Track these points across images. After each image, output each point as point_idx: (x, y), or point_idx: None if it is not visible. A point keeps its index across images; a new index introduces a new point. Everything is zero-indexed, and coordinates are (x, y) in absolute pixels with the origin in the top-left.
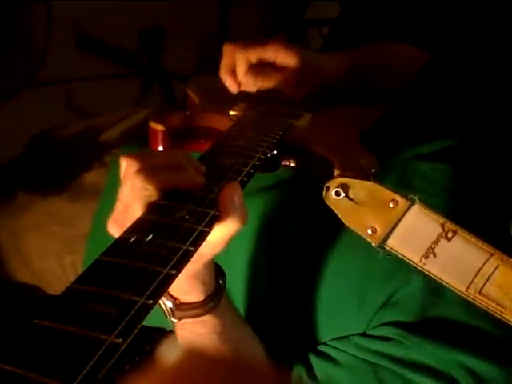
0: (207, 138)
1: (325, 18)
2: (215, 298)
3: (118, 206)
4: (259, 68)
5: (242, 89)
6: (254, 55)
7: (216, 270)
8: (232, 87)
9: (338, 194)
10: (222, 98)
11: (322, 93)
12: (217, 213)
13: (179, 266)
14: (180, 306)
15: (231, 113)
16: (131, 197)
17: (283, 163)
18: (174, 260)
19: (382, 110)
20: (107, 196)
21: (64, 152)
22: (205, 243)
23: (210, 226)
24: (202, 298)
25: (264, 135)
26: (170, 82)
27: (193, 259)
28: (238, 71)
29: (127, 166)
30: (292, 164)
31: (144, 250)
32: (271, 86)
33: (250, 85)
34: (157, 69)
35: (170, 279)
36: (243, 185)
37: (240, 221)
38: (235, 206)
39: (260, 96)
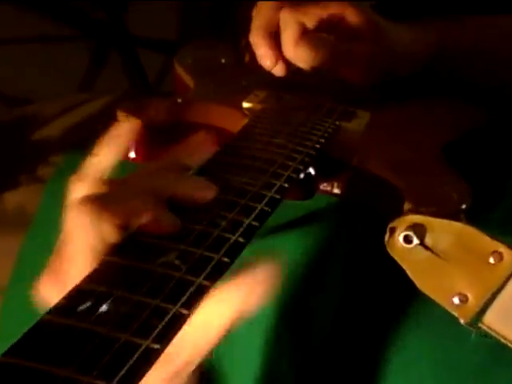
0: (207, 143)
1: None
2: None
3: (58, 256)
4: (318, 35)
5: (281, 66)
6: (311, 15)
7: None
8: (267, 59)
9: (408, 239)
10: (230, 81)
11: (387, 82)
12: (225, 259)
13: (165, 337)
14: None
15: (245, 105)
16: (80, 239)
17: (322, 187)
18: (158, 331)
19: (479, 115)
20: (39, 228)
21: None
22: (196, 327)
23: (212, 279)
24: None
25: (296, 142)
26: (136, 52)
27: (172, 361)
28: (287, 37)
29: (73, 188)
30: (336, 190)
31: (106, 318)
32: (335, 66)
33: (303, 60)
34: (117, 29)
35: (154, 355)
36: (265, 216)
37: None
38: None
39: (289, 81)
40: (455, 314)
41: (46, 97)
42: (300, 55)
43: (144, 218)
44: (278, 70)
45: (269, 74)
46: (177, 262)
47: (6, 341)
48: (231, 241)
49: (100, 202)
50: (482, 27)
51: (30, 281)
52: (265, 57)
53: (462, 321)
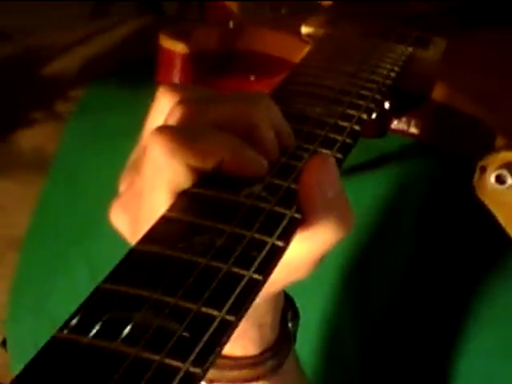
0: (263, 73)
1: None
2: (278, 353)
3: (131, 187)
4: None
5: None
6: None
7: (285, 306)
8: None
9: (501, 179)
10: (280, 2)
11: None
12: (296, 215)
13: (266, 269)
14: (215, 362)
15: (304, 30)
16: (151, 176)
17: (396, 126)
18: (259, 259)
19: None
20: (60, 172)
21: None
22: (279, 265)
23: (286, 238)
24: (256, 352)
25: (369, 71)
26: None
27: None
28: None
29: (169, 113)
30: (413, 129)
31: (208, 242)
32: None
33: None
34: None
35: (258, 286)
36: (348, 149)
37: (340, 226)
38: (329, 202)
39: (350, 3)
40: None
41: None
42: None
43: (226, 158)
44: None
45: None
46: (264, 193)
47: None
48: None
49: (176, 136)
50: None
51: (54, 230)
52: None
53: None
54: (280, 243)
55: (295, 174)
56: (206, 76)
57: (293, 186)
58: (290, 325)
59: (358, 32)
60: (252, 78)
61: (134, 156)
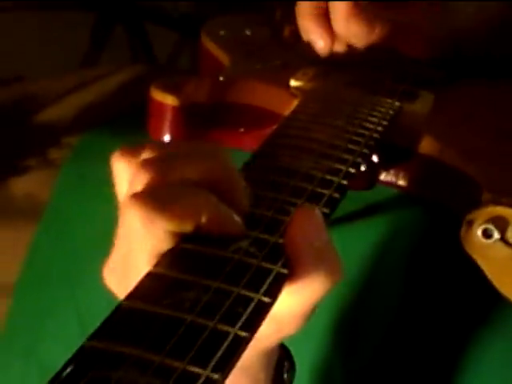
0: (253, 125)
1: None
2: None
3: (116, 250)
4: (372, 9)
5: (336, 46)
6: None
7: (280, 358)
8: (321, 42)
9: (487, 233)
10: (270, 57)
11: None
12: (283, 270)
13: (252, 326)
14: None
15: (293, 83)
16: (132, 243)
17: (384, 178)
18: (245, 316)
19: None
20: (53, 218)
21: None
22: (267, 319)
23: (272, 293)
24: None
25: (357, 125)
26: (145, 28)
27: None
28: (337, 13)
29: (132, 179)
30: (401, 182)
31: (194, 298)
32: (393, 39)
33: (356, 35)
34: (124, 2)
35: (243, 343)
36: (335, 203)
37: (328, 277)
38: (316, 254)
39: (338, 56)
40: None
41: (43, 74)
42: (353, 31)
43: (205, 219)
44: (335, 52)
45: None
46: (251, 249)
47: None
48: None
49: (151, 203)
50: None
51: (45, 276)
52: (318, 40)
53: None
54: (266, 299)
55: (282, 228)
56: (197, 128)
57: (280, 241)
58: (285, 376)
59: (347, 86)
60: (242, 130)
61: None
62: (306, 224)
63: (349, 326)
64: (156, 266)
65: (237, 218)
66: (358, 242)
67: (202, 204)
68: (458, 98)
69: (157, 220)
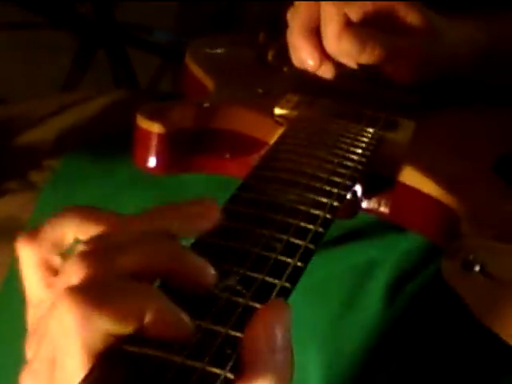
0: (238, 152)
1: None
2: None
3: (38, 353)
4: (364, 27)
5: (325, 66)
6: (355, 9)
7: None
8: (311, 60)
9: (467, 266)
10: (255, 82)
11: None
12: (287, 285)
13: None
14: None
15: (277, 111)
16: (62, 342)
17: (366, 206)
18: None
19: None
20: None
21: None
22: None
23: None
24: None
25: (341, 155)
26: (127, 52)
27: None
28: (329, 31)
29: (67, 269)
30: (383, 209)
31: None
32: (381, 61)
33: (347, 54)
34: (105, 26)
35: None
36: (319, 238)
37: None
38: (272, 359)
39: (323, 83)
40: None
41: (24, 96)
42: (344, 49)
43: (148, 320)
44: (324, 72)
45: (298, 75)
46: (239, 287)
47: None
48: (291, 266)
49: (89, 298)
50: None
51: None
52: (308, 58)
53: None
54: None
55: (269, 265)
56: (182, 154)
57: (267, 280)
58: None
59: (330, 115)
60: (227, 156)
61: (32, 318)
62: (272, 327)
63: (330, 351)
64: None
65: (186, 320)
66: (339, 267)
67: (145, 302)
68: (440, 125)
69: (94, 318)
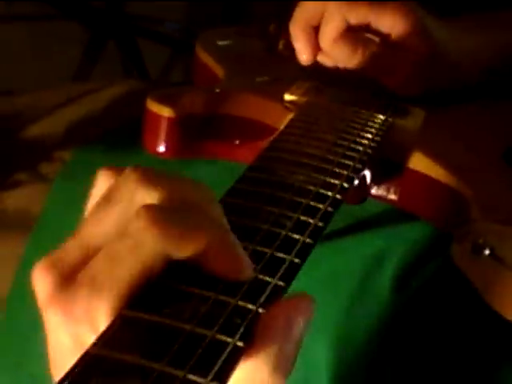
0: (247, 138)
1: None
2: None
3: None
4: (361, 35)
5: (318, 59)
6: (357, 14)
7: None
8: (304, 54)
9: (477, 249)
10: (265, 70)
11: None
12: (296, 260)
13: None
14: None
15: (287, 97)
16: (123, 252)
17: (375, 193)
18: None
19: None
20: (45, 231)
21: None
22: None
23: (286, 279)
24: None
25: (351, 140)
26: (137, 43)
27: None
28: (327, 32)
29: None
30: (392, 196)
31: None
32: (375, 70)
33: (340, 57)
34: (116, 17)
35: None
36: (329, 218)
37: (282, 369)
38: (282, 343)
39: (332, 71)
40: None
41: (35, 87)
42: (336, 53)
43: (212, 248)
44: (323, 61)
45: (310, 65)
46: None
47: (7, 357)
48: (300, 242)
49: (169, 220)
50: None
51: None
52: (302, 51)
53: None
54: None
55: (279, 241)
56: (192, 140)
57: (277, 254)
58: None
59: (341, 100)
60: (237, 142)
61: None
62: (295, 315)
63: (339, 339)
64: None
65: (248, 262)
66: (348, 257)
67: (213, 231)
68: (450, 115)
69: (165, 235)
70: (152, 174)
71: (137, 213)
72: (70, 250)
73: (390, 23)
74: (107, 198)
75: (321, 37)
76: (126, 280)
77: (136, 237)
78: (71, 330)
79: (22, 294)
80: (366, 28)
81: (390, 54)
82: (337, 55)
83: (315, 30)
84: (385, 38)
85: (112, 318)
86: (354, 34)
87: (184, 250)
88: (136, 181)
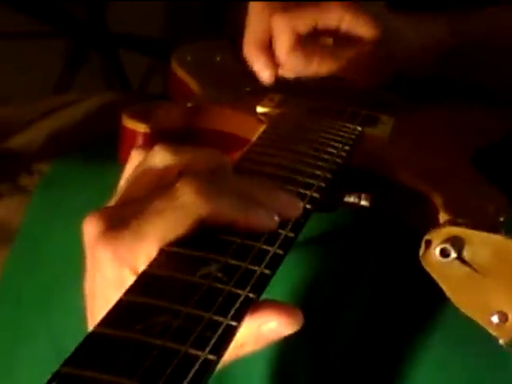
0: (221, 150)
1: None
2: None
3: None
4: (313, 41)
5: (281, 74)
6: (304, 21)
7: None
8: (265, 72)
9: (445, 253)
10: (238, 83)
11: (402, 83)
12: (267, 271)
13: (220, 350)
14: None
15: (259, 109)
16: (95, 277)
17: (347, 200)
18: (214, 340)
19: (506, 119)
20: (25, 244)
21: None
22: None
23: (259, 291)
24: None
25: (321, 150)
26: (118, 53)
27: None
28: (279, 46)
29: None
30: (363, 202)
31: (164, 323)
32: (334, 71)
33: (298, 68)
34: (97, 28)
35: (211, 367)
36: (299, 227)
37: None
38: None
39: (303, 84)
40: (494, 333)
41: (15, 99)
42: (292, 65)
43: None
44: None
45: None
46: (219, 274)
47: None
48: (271, 253)
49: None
50: (491, 20)
51: (17, 303)
52: (261, 70)
53: (501, 341)
54: (234, 323)
55: (252, 254)
56: None
57: (250, 267)
58: None
59: (311, 112)
60: None
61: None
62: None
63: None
64: (125, 293)
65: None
66: (321, 263)
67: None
68: (418, 120)
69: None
70: (177, 147)
71: (183, 180)
72: (117, 205)
73: (337, 16)
74: (144, 167)
75: (276, 52)
76: (166, 233)
77: (182, 199)
78: (116, 267)
79: (4, 306)
80: (317, 31)
81: (347, 50)
82: (295, 66)
83: (269, 48)
84: (336, 33)
85: (148, 263)
86: (307, 41)
87: (220, 215)
88: (166, 151)
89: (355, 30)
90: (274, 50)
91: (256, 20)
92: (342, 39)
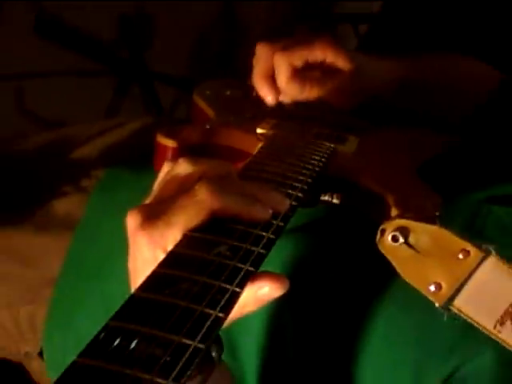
0: (230, 160)
1: (362, 13)
2: (201, 373)
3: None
4: (305, 73)
5: (281, 99)
6: (298, 57)
7: None
8: (269, 97)
9: (395, 239)
10: (244, 111)
11: (368, 108)
12: (251, 268)
13: (227, 309)
14: None
15: (258, 131)
16: (135, 258)
17: (323, 199)
18: (223, 302)
19: (445, 139)
20: (84, 231)
21: (25, 171)
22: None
23: (257, 265)
24: None
25: (305, 161)
26: (154, 86)
27: None
28: (280, 77)
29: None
30: (335, 200)
31: (186, 289)
32: (321, 95)
33: (295, 94)
34: (138, 67)
35: (221, 322)
36: (280, 230)
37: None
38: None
39: (292, 111)
40: (431, 298)
41: (77, 121)
42: (291, 90)
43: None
44: (284, 100)
45: (275, 106)
46: (227, 253)
47: (57, 330)
48: (266, 237)
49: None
50: (442, 66)
51: (79, 273)
52: (266, 95)
53: (436, 304)
54: (237, 289)
55: (252, 238)
56: None
57: (250, 248)
58: (213, 353)
59: (297, 132)
60: None
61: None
62: None
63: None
64: (158, 266)
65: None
66: (307, 243)
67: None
68: (377, 139)
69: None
70: (196, 159)
71: (200, 183)
72: (151, 203)
73: (321, 51)
74: (172, 174)
75: (278, 83)
76: (187, 222)
77: (199, 197)
78: (151, 249)
79: (69, 275)
80: (308, 65)
81: (330, 80)
82: (292, 93)
83: (272, 78)
84: (322, 65)
85: (174, 245)
86: (301, 73)
87: (227, 209)
88: (188, 163)
89: (336, 62)
90: (275, 80)
91: (261, 57)
92: (326, 71)
